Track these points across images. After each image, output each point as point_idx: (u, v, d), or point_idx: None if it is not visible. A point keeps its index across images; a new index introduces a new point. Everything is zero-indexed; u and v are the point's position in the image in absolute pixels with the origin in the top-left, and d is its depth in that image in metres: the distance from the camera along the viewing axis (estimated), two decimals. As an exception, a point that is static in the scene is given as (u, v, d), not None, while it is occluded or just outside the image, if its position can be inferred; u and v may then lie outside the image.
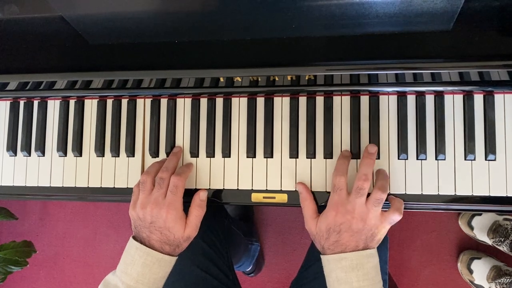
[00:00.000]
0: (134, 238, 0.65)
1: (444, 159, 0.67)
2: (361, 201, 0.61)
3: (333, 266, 0.61)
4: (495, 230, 1.19)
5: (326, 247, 0.62)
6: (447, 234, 1.34)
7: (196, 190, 0.71)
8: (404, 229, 1.36)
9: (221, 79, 0.69)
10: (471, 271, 1.25)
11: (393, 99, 0.69)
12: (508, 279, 1.15)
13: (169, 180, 0.66)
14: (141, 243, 0.64)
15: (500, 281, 1.16)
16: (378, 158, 0.68)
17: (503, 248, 1.18)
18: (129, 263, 0.63)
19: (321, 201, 0.68)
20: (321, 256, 0.63)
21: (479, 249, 1.30)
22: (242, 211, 1.41)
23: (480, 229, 1.24)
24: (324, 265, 0.63)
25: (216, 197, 0.72)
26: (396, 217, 0.62)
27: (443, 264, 1.34)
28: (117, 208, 1.55)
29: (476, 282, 1.25)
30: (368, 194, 0.62)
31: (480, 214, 1.25)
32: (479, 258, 1.25)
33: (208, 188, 0.72)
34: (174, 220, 0.63)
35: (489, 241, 1.22)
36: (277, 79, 0.68)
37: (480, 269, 1.23)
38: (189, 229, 0.66)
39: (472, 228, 1.27)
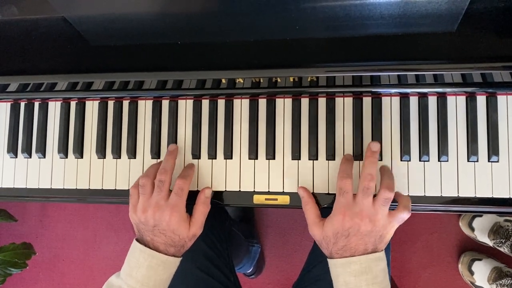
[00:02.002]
0: (138, 240, 0.65)
1: (447, 161, 0.67)
2: (369, 202, 0.60)
3: (341, 270, 0.60)
4: (496, 231, 1.19)
5: (334, 252, 0.61)
6: (448, 235, 1.34)
7: (198, 192, 0.70)
8: (405, 230, 1.36)
9: (223, 81, 0.69)
10: (472, 273, 1.25)
11: (396, 100, 0.68)
12: (509, 280, 1.15)
13: (169, 182, 0.66)
14: (145, 245, 0.63)
15: (501, 282, 1.16)
16: (381, 159, 0.68)
17: (504, 249, 1.18)
18: (133, 266, 0.62)
19: (323, 203, 0.68)
20: (328, 260, 0.62)
21: (480, 251, 1.30)
22: (242, 213, 1.40)
23: (481, 230, 1.24)
24: (331, 269, 0.62)
25: (218, 198, 0.72)
26: (404, 215, 0.61)
27: (444, 266, 1.34)
28: (117, 210, 1.54)
29: (477, 283, 1.25)
30: (374, 195, 0.62)
31: (481, 216, 1.25)
32: (480, 260, 1.25)
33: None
34: (178, 222, 0.63)
35: (490, 242, 1.22)
36: (279, 80, 0.68)
37: (481, 271, 1.23)
38: (195, 227, 0.65)
39: (473, 229, 1.26)
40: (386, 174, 0.64)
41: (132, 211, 0.66)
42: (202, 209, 0.67)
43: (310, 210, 0.65)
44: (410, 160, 0.67)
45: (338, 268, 0.60)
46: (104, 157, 0.75)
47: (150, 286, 0.62)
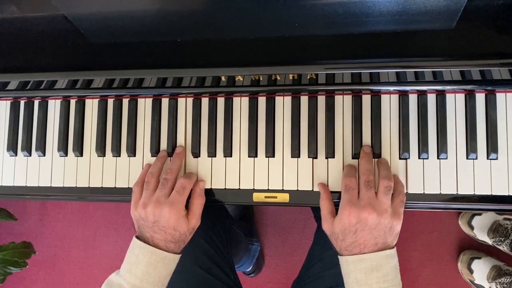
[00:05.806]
0: (138, 237, 0.65)
1: (446, 158, 0.67)
2: (372, 194, 0.61)
3: (352, 267, 0.60)
4: (495, 229, 1.19)
5: (343, 248, 0.61)
6: (447, 234, 1.34)
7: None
8: (404, 229, 1.35)
9: (223, 78, 0.69)
10: (471, 271, 1.25)
11: (395, 98, 0.69)
12: (508, 279, 1.15)
13: (173, 181, 0.67)
14: (145, 242, 0.64)
15: (500, 280, 1.16)
16: (380, 157, 0.68)
17: (503, 247, 1.18)
18: (133, 263, 0.63)
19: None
20: (339, 257, 0.62)
21: (479, 249, 1.30)
22: (242, 211, 1.40)
23: (480, 229, 1.24)
24: (342, 266, 0.62)
25: (217, 196, 0.72)
26: (402, 197, 0.63)
27: (443, 264, 1.34)
28: (117, 209, 1.54)
29: (476, 282, 1.25)
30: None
31: (480, 214, 1.25)
32: (479, 258, 1.25)
33: (209, 188, 0.72)
34: (177, 219, 0.64)
35: (489, 241, 1.22)
36: (278, 78, 0.68)
37: (480, 269, 1.23)
38: (193, 219, 0.66)
39: (472, 228, 1.27)
40: (382, 166, 0.65)
41: (133, 207, 0.67)
42: (198, 201, 0.68)
43: (324, 206, 0.66)
44: (409, 158, 0.67)
45: (349, 265, 0.60)
46: (104, 155, 0.75)
47: (150, 282, 0.62)
